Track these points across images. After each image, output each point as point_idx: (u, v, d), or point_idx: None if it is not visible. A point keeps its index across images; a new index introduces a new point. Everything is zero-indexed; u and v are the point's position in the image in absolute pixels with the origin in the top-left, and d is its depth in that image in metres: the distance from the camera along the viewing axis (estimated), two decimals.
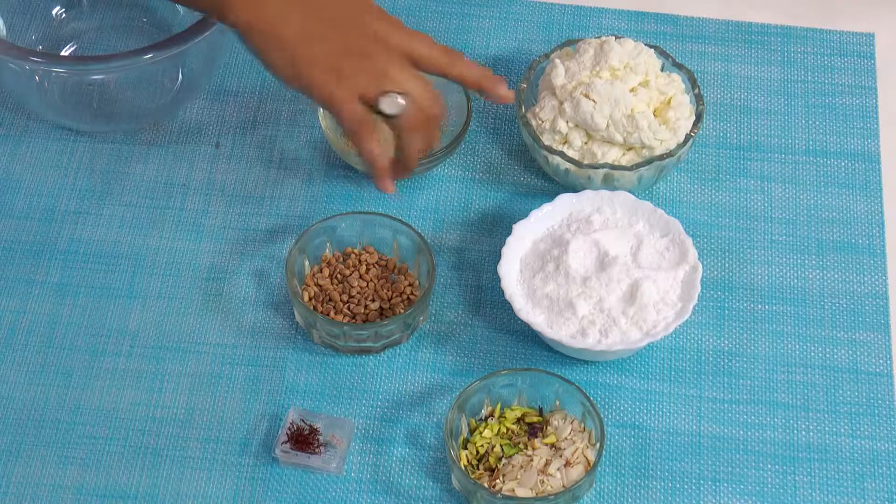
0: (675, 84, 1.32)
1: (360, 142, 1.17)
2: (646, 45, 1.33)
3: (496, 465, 1.15)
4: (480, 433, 1.17)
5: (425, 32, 1.44)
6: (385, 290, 1.25)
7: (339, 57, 1.15)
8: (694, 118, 1.31)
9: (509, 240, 1.25)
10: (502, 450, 1.16)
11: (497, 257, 1.25)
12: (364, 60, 1.16)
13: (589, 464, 1.15)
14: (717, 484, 1.17)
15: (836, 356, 1.24)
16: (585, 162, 1.29)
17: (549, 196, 1.28)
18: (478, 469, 1.16)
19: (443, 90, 1.35)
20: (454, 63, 1.20)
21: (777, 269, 1.29)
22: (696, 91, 1.32)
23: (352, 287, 1.24)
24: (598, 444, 1.15)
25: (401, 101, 1.15)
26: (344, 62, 1.15)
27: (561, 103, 1.30)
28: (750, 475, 1.17)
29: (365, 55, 1.16)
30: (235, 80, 1.40)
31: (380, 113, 1.16)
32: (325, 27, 1.16)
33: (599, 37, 1.34)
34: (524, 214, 1.26)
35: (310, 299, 1.24)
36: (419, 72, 1.18)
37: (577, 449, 1.15)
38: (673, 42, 1.44)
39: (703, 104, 1.32)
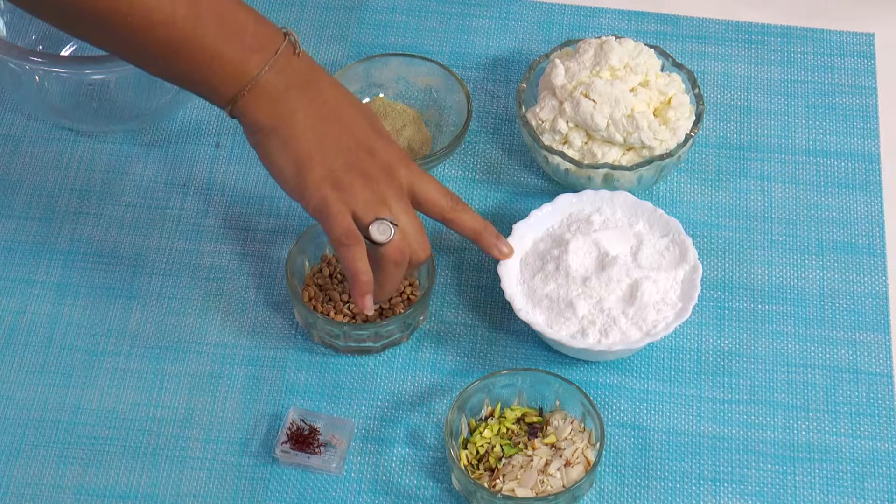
0: (675, 84, 1.32)
1: (348, 257, 1.13)
2: (646, 45, 1.33)
3: (496, 465, 1.15)
4: (480, 433, 1.17)
5: (425, 32, 1.44)
6: None
7: (344, 170, 1.13)
8: (694, 118, 1.31)
9: (509, 240, 1.25)
10: (502, 450, 1.16)
11: None
12: (367, 182, 1.14)
13: (589, 464, 1.15)
14: (717, 484, 1.17)
15: (836, 356, 1.24)
16: (585, 162, 1.29)
17: (549, 196, 1.28)
18: (478, 469, 1.16)
19: (442, 90, 1.36)
20: (455, 210, 1.19)
21: (777, 269, 1.29)
22: (696, 91, 1.32)
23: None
24: (598, 444, 1.15)
25: (392, 229, 1.13)
26: (347, 177, 1.13)
27: (561, 103, 1.30)
28: (750, 475, 1.17)
29: (369, 177, 1.14)
30: None
31: (367, 237, 1.13)
32: (336, 139, 1.14)
33: (599, 37, 1.34)
34: (524, 214, 1.26)
35: (310, 299, 1.24)
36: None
37: (577, 449, 1.15)
38: (673, 42, 1.44)
39: (703, 104, 1.32)
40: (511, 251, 1.22)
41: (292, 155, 1.13)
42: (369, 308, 1.16)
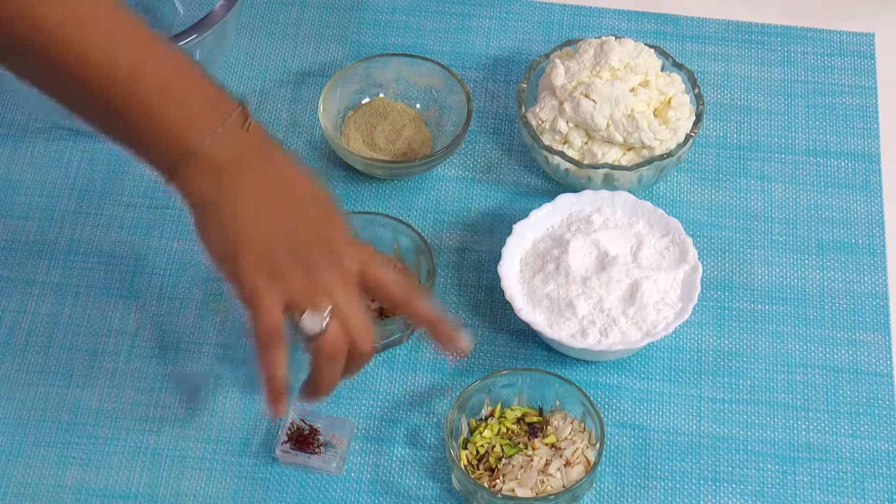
0: (675, 84, 1.32)
1: (265, 358, 1.04)
2: (646, 45, 1.33)
3: (496, 465, 1.15)
4: (480, 433, 1.17)
5: (426, 33, 1.44)
6: None
7: (283, 257, 1.04)
8: (694, 118, 1.31)
9: (509, 240, 1.25)
10: (502, 450, 1.16)
11: (497, 257, 1.24)
12: (307, 269, 1.04)
13: (589, 464, 1.15)
14: (717, 484, 1.17)
15: (836, 356, 1.24)
16: (585, 162, 1.29)
17: (549, 196, 1.28)
18: (478, 469, 1.16)
19: (442, 90, 1.36)
20: (410, 299, 1.09)
21: (777, 269, 1.29)
22: (697, 91, 1.32)
23: None
24: (598, 444, 1.15)
25: (325, 321, 1.03)
26: (285, 264, 1.04)
27: (561, 103, 1.30)
28: (750, 475, 1.17)
29: (310, 264, 1.04)
30: (235, 80, 1.40)
31: (300, 328, 1.04)
32: (280, 221, 1.04)
33: (599, 37, 1.34)
34: (524, 214, 1.26)
35: None
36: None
37: (577, 449, 1.15)
38: (673, 42, 1.44)
39: (703, 104, 1.32)
40: (468, 348, 1.10)
41: (228, 235, 1.04)
42: (280, 413, 1.06)
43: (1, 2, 0.97)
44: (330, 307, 1.04)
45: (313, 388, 1.08)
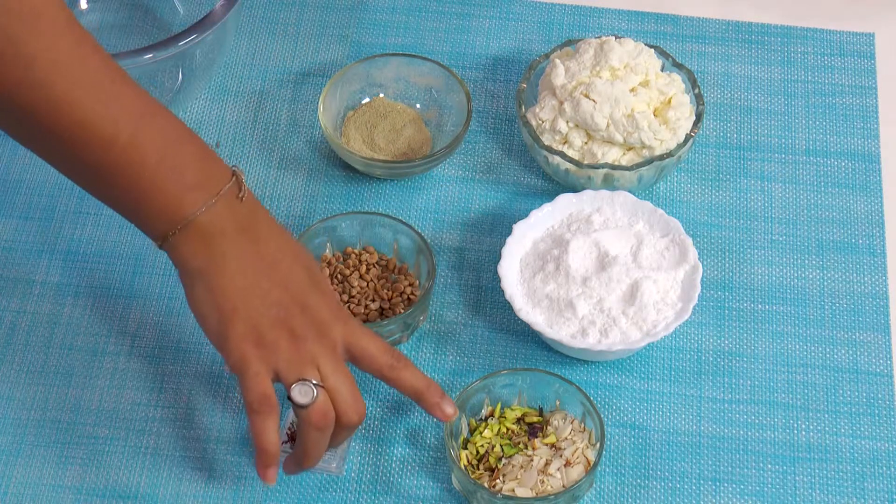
0: (676, 84, 1.32)
1: (258, 426, 1.06)
2: (646, 45, 1.33)
3: (496, 465, 1.15)
4: (480, 433, 1.17)
5: (425, 32, 1.44)
6: (385, 290, 1.25)
7: (270, 327, 1.06)
8: (694, 118, 1.31)
9: (509, 240, 1.25)
10: (502, 450, 1.16)
11: (497, 257, 1.24)
12: (294, 340, 1.07)
13: (589, 464, 1.15)
14: (717, 484, 1.17)
15: (836, 356, 1.24)
16: (585, 162, 1.29)
17: (549, 196, 1.28)
18: (478, 469, 1.16)
19: (442, 90, 1.36)
20: (395, 368, 1.10)
21: (777, 269, 1.29)
22: (697, 91, 1.32)
23: (352, 287, 1.24)
24: (598, 444, 1.15)
25: (314, 392, 1.06)
26: (272, 333, 1.06)
27: (561, 103, 1.30)
28: (750, 475, 1.17)
29: (296, 335, 1.07)
30: (235, 80, 1.41)
31: (290, 398, 1.06)
32: (267, 291, 1.07)
33: (599, 37, 1.34)
34: (524, 214, 1.26)
35: None
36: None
37: (577, 449, 1.15)
38: (673, 42, 1.44)
39: (703, 104, 1.32)
40: (455, 412, 1.12)
41: (217, 303, 1.06)
42: (272, 480, 1.08)
43: (9, 67, 0.99)
44: (317, 379, 1.07)
45: (300, 457, 1.10)
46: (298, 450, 1.10)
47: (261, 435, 1.07)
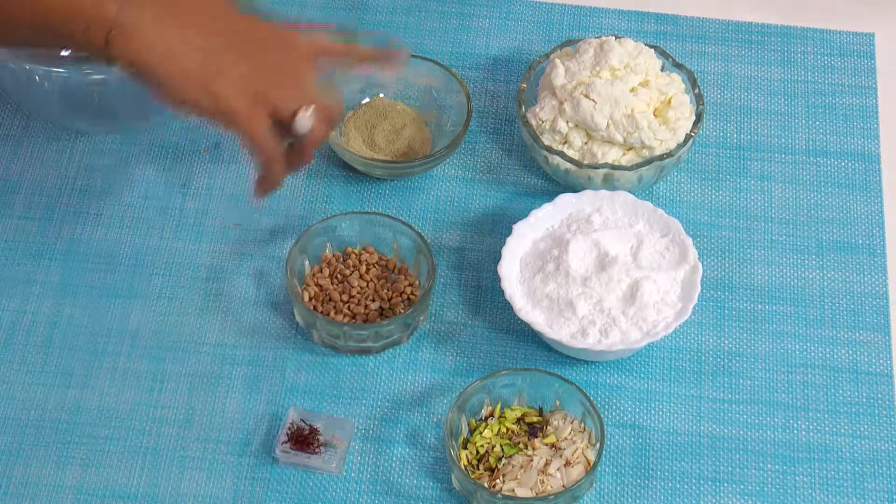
0: (675, 84, 1.32)
1: (273, 170, 1.13)
2: (646, 45, 1.33)
3: (496, 465, 1.15)
4: (480, 433, 1.17)
5: (425, 33, 1.44)
6: (385, 290, 1.25)
7: (254, 74, 1.10)
8: (694, 118, 1.31)
9: (509, 240, 1.25)
10: (502, 450, 1.16)
11: (497, 257, 1.25)
12: (278, 74, 1.11)
13: (589, 464, 1.15)
14: (717, 484, 1.17)
15: (836, 356, 1.24)
16: (585, 162, 1.29)
17: (549, 196, 1.28)
18: (478, 469, 1.16)
19: (442, 90, 1.36)
20: (352, 44, 1.17)
21: (777, 269, 1.29)
22: (697, 91, 1.32)
23: (352, 287, 1.24)
24: (598, 444, 1.15)
25: (309, 117, 1.11)
26: (259, 80, 1.10)
27: (561, 103, 1.30)
28: (750, 475, 1.17)
29: (277, 69, 1.11)
30: None
31: (291, 131, 1.12)
32: (228, 44, 1.10)
33: (599, 37, 1.34)
34: (524, 214, 1.26)
35: (310, 299, 1.24)
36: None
37: (577, 449, 1.15)
38: (673, 42, 1.44)
39: (703, 104, 1.32)
40: (407, 55, 1.22)
41: (197, 80, 1.08)
42: (264, 199, 1.20)
43: None
44: (312, 106, 1.11)
45: (298, 160, 1.16)
46: (278, 174, 1.14)
47: (276, 177, 1.14)
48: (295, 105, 1.11)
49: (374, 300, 1.24)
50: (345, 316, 1.23)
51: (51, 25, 1.07)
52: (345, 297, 1.24)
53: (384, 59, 1.19)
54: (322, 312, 1.23)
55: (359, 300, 1.24)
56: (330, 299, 1.24)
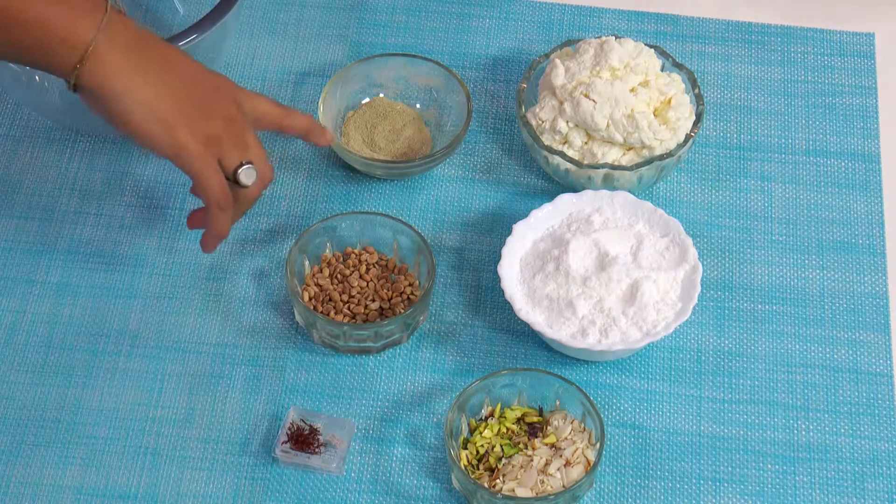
0: (676, 84, 1.32)
1: (221, 219, 1.16)
2: (646, 45, 1.33)
3: (496, 465, 1.15)
4: (480, 433, 1.17)
5: (425, 32, 1.45)
6: (385, 290, 1.25)
7: (207, 120, 1.13)
8: (694, 118, 1.31)
9: (509, 240, 1.25)
10: (502, 450, 1.16)
11: (497, 257, 1.25)
12: (227, 125, 1.14)
13: (589, 464, 1.15)
14: (717, 484, 1.17)
15: (836, 356, 1.24)
16: (585, 162, 1.29)
17: (549, 196, 1.28)
18: (478, 469, 1.16)
19: (442, 90, 1.36)
20: (288, 116, 1.21)
21: (777, 269, 1.29)
22: (697, 91, 1.32)
23: (352, 287, 1.25)
24: (598, 444, 1.15)
25: (255, 171, 1.15)
26: (211, 126, 1.13)
27: (561, 103, 1.30)
28: (750, 475, 1.17)
29: (226, 119, 1.14)
30: (235, 80, 1.40)
31: (234, 181, 1.15)
32: (187, 90, 1.12)
33: (599, 37, 1.34)
34: (524, 214, 1.26)
35: (310, 299, 1.24)
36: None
37: (577, 449, 1.15)
38: (673, 42, 1.44)
39: (703, 104, 1.32)
40: (332, 136, 1.25)
41: (157, 115, 1.10)
42: (212, 250, 1.20)
43: None
44: (248, 157, 1.15)
45: (224, 229, 1.17)
46: (226, 222, 1.17)
47: (223, 227, 1.17)
48: (239, 159, 1.14)
49: (374, 300, 1.24)
50: (345, 316, 1.23)
51: (24, 45, 1.08)
52: (345, 297, 1.24)
53: (313, 134, 1.23)
54: (322, 312, 1.23)
55: (359, 300, 1.24)
56: (330, 299, 1.24)
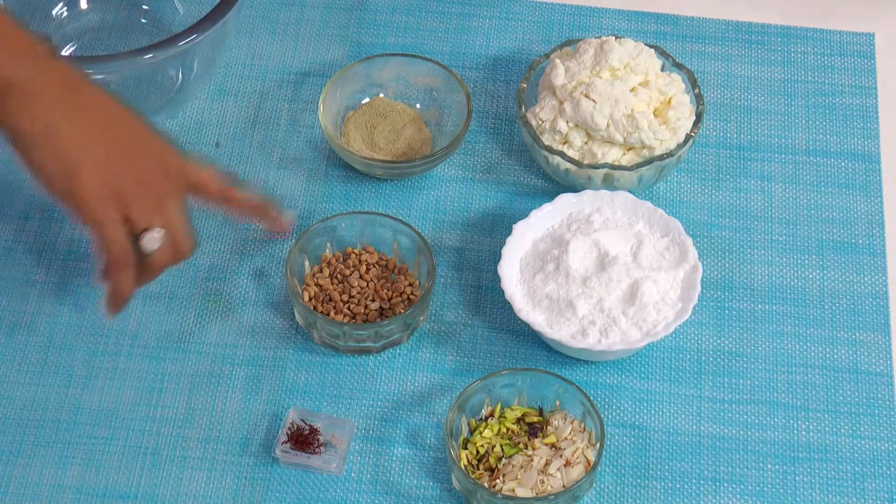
0: (676, 84, 1.32)
1: (119, 279, 1.12)
2: (646, 45, 1.33)
3: (496, 465, 1.15)
4: (480, 433, 1.17)
5: (425, 32, 1.45)
6: (385, 290, 1.25)
7: (118, 176, 1.09)
8: (694, 118, 1.31)
9: (509, 240, 1.25)
10: (502, 450, 1.16)
11: (497, 257, 1.25)
12: (142, 186, 1.10)
13: (589, 464, 1.15)
14: (717, 484, 1.17)
15: (836, 356, 1.24)
16: (585, 162, 1.29)
17: (549, 196, 1.28)
18: (478, 469, 1.16)
19: (442, 90, 1.36)
20: (233, 190, 1.17)
21: (777, 269, 1.29)
22: (697, 91, 1.32)
23: (352, 287, 1.24)
24: (598, 444, 1.15)
25: (159, 238, 1.11)
26: (122, 183, 1.09)
27: (561, 103, 1.30)
28: (750, 475, 1.17)
29: (143, 180, 1.11)
30: (235, 80, 1.41)
31: (139, 244, 1.11)
32: (107, 141, 1.09)
33: (599, 37, 1.34)
34: (524, 214, 1.26)
35: (310, 299, 1.24)
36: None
37: (577, 449, 1.15)
38: (673, 42, 1.44)
39: (703, 104, 1.32)
40: (291, 222, 1.20)
41: (61, 163, 1.07)
42: (115, 315, 1.16)
43: None
44: (162, 223, 1.11)
45: (138, 283, 1.14)
46: (125, 283, 1.13)
47: (123, 288, 1.12)
48: (148, 222, 1.11)
49: (374, 300, 1.24)
50: (345, 316, 1.23)
51: None
52: (345, 297, 1.24)
53: (263, 217, 1.19)
54: (322, 312, 1.23)
55: (359, 300, 1.24)
56: (330, 299, 1.24)
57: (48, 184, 1.09)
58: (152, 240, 1.11)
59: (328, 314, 1.23)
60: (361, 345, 1.22)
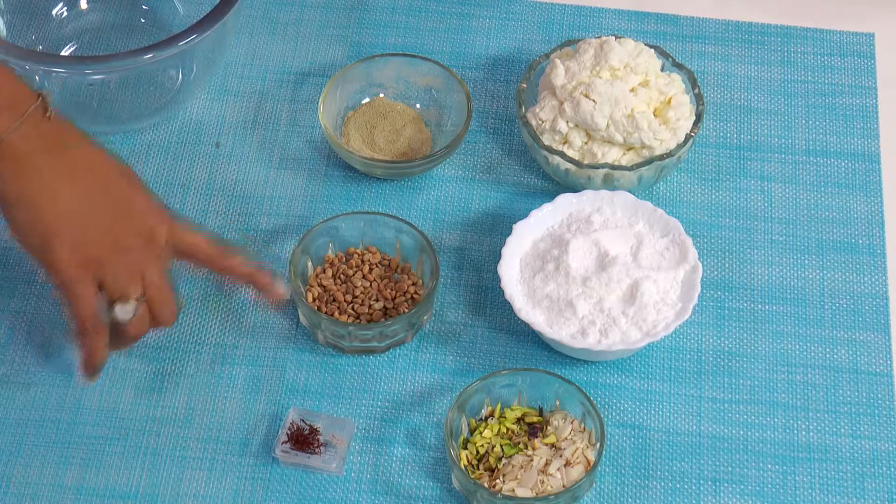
0: (675, 84, 1.32)
1: (90, 344, 1.11)
2: (646, 45, 1.33)
3: (496, 465, 1.15)
4: (480, 433, 1.17)
5: (425, 32, 1.45)
6: (388, 290, 1.25)
7: (95, 243, 1.09)
8: (694, 118, 1.31)
9: (509, 240, 1.25)
10: (502, 450, 1.16)
11: (497, 257, 1.25)
12: (120, 253, 1.09)
13: (589, 464, 1.15)
14: (717, 484, 1.17)
15: (836, 356, 1.24)
16: (585, 162, 1.29)
17: (549, 196, 1.28)
18: (478, 469, 1.16)
19: (442, 90, 1.36)
20: (224, 257, 1.15)
21: (777, 269, 1.29)
22: (696, 91, 1.32)
23: (355, 287, 1.24)
24: (598, 444, 1.15)
25: (134, 310, 1.11)
26: (98, 250, 1.09)
27: (561, 103, 1.30)
28: (750, 475, 1.17)
29: (122, 247, 1.10)
30: (235, 80, 1.41)
31: (111, 312, 1.11)
32: (89, 206, 1.09)
33: (599, 37, 1.34)
34: (524, 214, 1.26)
35: (314, 300, 1.24)
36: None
37: (577, 449, 1.15)
38: (673, 42, 1.44)
39: (703, 104, 1.32)
40: (285, 293, 1.16)
41: (38, 227, 1.07)
42: (94, 380, 1.16)
43: None
44: (139, 292, 1.10)
45: (113, 347, 1.14)
46: (96, 348, 1.12)
47: (94, 353, 1.12)
48: (122, 290, 1.10)
49: (377, 300, 1.24)
50: (349, 316, 1.23)
51: None
52: (348, 298, 1.24)
53: (258, 285, 1.16)
54: (326, 313, 1.23)
55: (362, 300, 1.24)
56: (334, 300, 1.24)
57: (24, 243, 1.09)
58: (125, 311, 1.11)
59: (332, 315, 1.23)
60: (366, 345, 1.22)
